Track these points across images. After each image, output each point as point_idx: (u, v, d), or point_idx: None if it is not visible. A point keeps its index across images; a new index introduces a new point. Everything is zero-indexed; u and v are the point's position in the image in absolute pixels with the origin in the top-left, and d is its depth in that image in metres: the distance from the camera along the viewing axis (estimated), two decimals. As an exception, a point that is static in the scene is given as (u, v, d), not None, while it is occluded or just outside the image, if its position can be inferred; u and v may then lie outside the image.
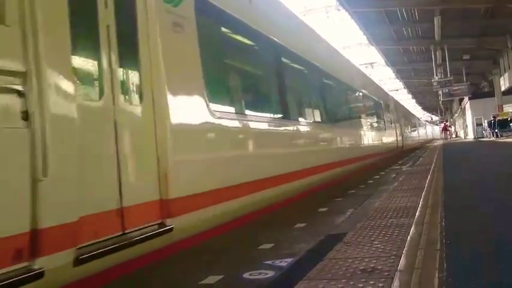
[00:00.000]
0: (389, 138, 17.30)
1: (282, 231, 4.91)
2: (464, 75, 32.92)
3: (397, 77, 41.77)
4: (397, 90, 48.32)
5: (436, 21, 21.11)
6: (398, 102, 27.60)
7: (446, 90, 28.74)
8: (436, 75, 29.42)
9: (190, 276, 3.44)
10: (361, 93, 13.60)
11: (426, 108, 72.45)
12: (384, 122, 16.90)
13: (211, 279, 3.30)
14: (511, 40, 25.35)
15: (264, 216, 5.02)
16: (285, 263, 3.59)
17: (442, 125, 56.01)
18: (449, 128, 53.69)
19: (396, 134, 19.26)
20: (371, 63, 36.30)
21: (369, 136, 13.08)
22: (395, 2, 20.64)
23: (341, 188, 8.15)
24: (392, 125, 19.04)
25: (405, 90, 50.95)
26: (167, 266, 3.36)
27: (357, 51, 32.38)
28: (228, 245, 4.20)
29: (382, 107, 17.08)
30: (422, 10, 21.47)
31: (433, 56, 27.71)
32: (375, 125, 14.98)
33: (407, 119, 28.17)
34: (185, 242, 3.53)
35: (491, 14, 21.65)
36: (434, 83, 28.66)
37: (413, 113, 45.63)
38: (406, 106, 37.41)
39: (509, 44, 25.62)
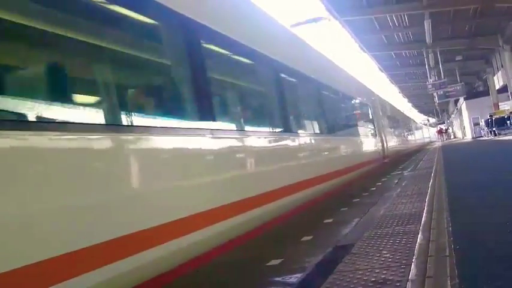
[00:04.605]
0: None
1: (289, 246, 4.89)
2: (458, 76, 33.14)
3: (391, 82, 41.88)
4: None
5: (427, 24, 21.28)
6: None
7: (441, 92, 28.90)
8: (430, 77, 29.60)
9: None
10: None
11: (423, 111, 72.68)
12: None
13: (223, 300, 3.27)
14: (502, 39, 25.59)
15: (269, 231, 5.00)
16: (295, 278, 3.58)
17: (438, 128, 58.41)
18: (444, 131, 54.89)
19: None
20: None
21: None
22: (384, 8, 20.78)
23: (345, 197, 8.13)
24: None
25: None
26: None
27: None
28: (236, 263, 4.19)
29: None
30: (412, 15, 21.66)
31: (425, 59, 27.93)
32: None
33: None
34: (195, 261, 3.51)
35: (481, 14, 21.86)
36: (429, 86, 28.83)
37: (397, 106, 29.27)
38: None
39: (500, 42, 25.85)
